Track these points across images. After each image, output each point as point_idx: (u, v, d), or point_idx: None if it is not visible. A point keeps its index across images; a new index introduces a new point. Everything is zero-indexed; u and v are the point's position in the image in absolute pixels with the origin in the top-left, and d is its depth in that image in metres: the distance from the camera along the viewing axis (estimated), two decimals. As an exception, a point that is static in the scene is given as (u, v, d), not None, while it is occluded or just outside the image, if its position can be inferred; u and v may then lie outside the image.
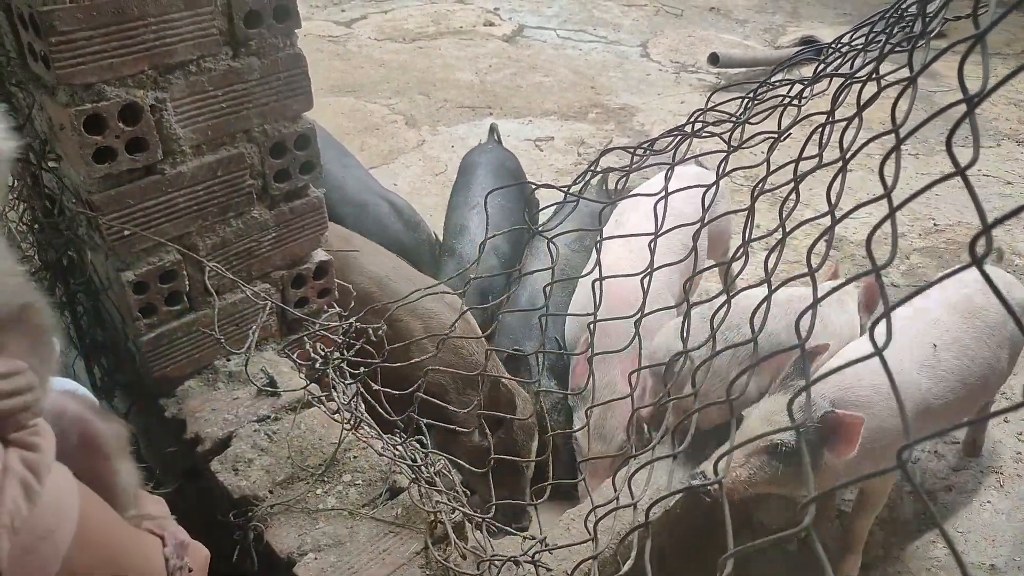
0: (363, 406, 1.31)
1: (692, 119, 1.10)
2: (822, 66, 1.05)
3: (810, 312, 0.65)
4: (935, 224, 3.29)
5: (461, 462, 1.25)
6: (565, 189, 1.16)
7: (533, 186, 1.14)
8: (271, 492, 1.26)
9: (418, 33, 5.65)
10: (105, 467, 0.80)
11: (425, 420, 1.22)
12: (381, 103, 4.47)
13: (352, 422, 1.30)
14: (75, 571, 0.60)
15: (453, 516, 1.18)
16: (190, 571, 0.85)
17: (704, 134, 1.10)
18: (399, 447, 1.27)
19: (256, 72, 1.28)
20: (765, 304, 0.76)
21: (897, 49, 0.81)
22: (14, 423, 0.61)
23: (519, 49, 5.41)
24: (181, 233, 1.31)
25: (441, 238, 2.51)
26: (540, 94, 4.65)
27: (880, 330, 0.51)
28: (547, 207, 1.16)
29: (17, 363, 0.62)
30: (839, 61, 1.06)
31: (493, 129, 2.85)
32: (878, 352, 0.53)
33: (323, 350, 1.36)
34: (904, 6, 0.93)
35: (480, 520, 1.16)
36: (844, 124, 0.80)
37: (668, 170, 1.08)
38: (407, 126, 4.23)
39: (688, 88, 4.75)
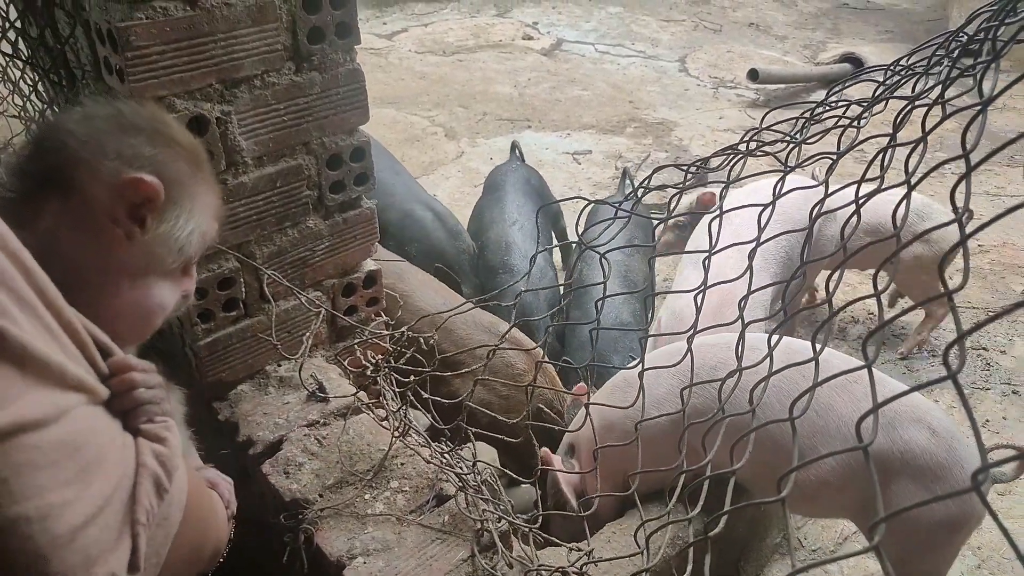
0: (411, 413, 1.33)
1: (748, 139, 1.11)
2: (881, 88, 1.05)
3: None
4: (979, 245, 3.24)
5: (509, 472, 1.27)
6: (617, 205, 1.17)
7: (586, 201, 1.16)
8: (321, 496, 1.28)
9: (458, 46, 5.72)
10: None
11: (473, 430, 1.23)
12: (421, 115, 4.53)
13: (400, 429, 1.32)
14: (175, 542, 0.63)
15: (499, 525, 1.20)
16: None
17: (759, 153, 1.10)
18: (446, 455, 1.29)
19: (317, 86, 1.32)
20: (827, 326, 0.76)
21: (965, 74, 0.81)
22: (145, 414, 0.65)
23: (557, 63, 5.45)
24: (240, 241, 1.35)
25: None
26: (578, 108, 4.68)
27: (952, 355, 0.52)
28: (602, 221, 1.17)
29: (148, 363, 0.67)
30: (897, 82, 1.06)
31: (515, 146, 2.89)
32: (952, 376, 0.54)
33: (373, 358, 1.39)
34: (969, 30, 0.93)
35: (527, 530, 1.17)
36: (910, 148, 0.81)
37: (723, 188, 1.08)
38: (447, 138, 4.28)
39: (727, 103, 4.75)
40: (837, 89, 1.14)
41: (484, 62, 5.44)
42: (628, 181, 2.85)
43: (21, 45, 1.40)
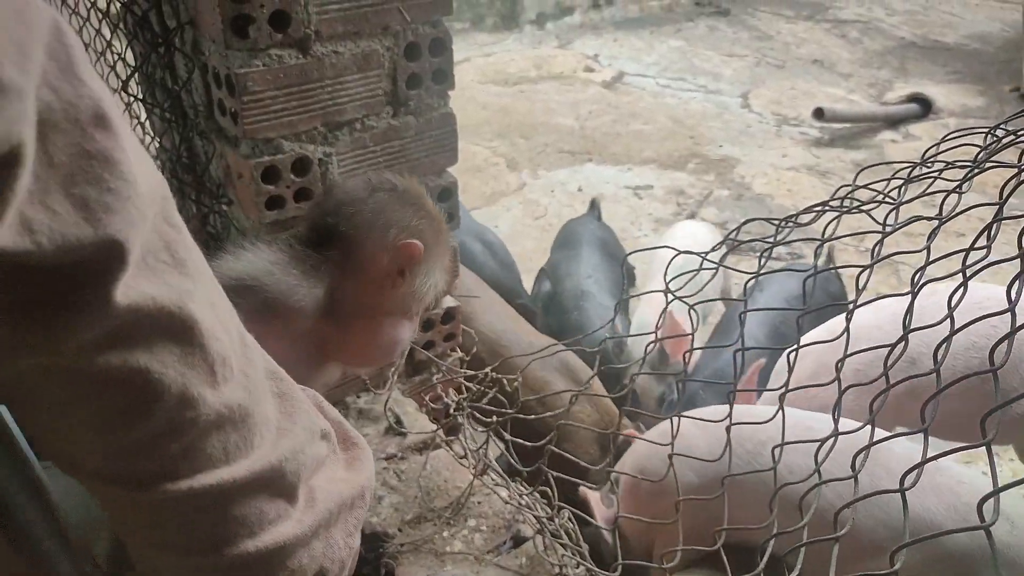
0: (491, 453, 1.35)
1: (844, 196, 1.11)
2: (983, 152, 1.04)
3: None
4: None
5: (588, 517, 1.28)
6: (704, 255, 1.19)
7: (675, 251, 1.17)
8: (400, 530, 1.31)
9: (520, 77, 5.80)
10: None
11: (554, 473, 1.25)
12: (483, 145, 4.60)
13: (479, 468, 1.34)
14: None
15: (577, 571, 1.20)
16: None
17: (855, 211, 1.10)
18: (525, 496, 1.30)
19: (412, 130, 1.37)
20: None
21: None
22: None
23: (618, 96, 5.49)
24: (332, 276, 1.39)
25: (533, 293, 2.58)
26: (639, 142, 4.69)
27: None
28: (686, 274, 1.18)
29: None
30: (998, 147, 1.06)
31: (594, 203, 2.92)
32: (987, 442, 0.53)
33: (455, 397, 1.42)
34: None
35: (606, 578, 1.17)
36: (1021, 219, 0.80)
37: (817, 247, 1.09)
38: (508, 169, 4.34)
39: (790, 141, 4.71)
40: (933, 154, 1.14)
41: (545, 93, 5.51)
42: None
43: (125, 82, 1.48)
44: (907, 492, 0.70)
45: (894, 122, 4.90)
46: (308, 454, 0.55)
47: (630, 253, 1.26)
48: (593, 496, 1.60)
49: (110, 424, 0.42)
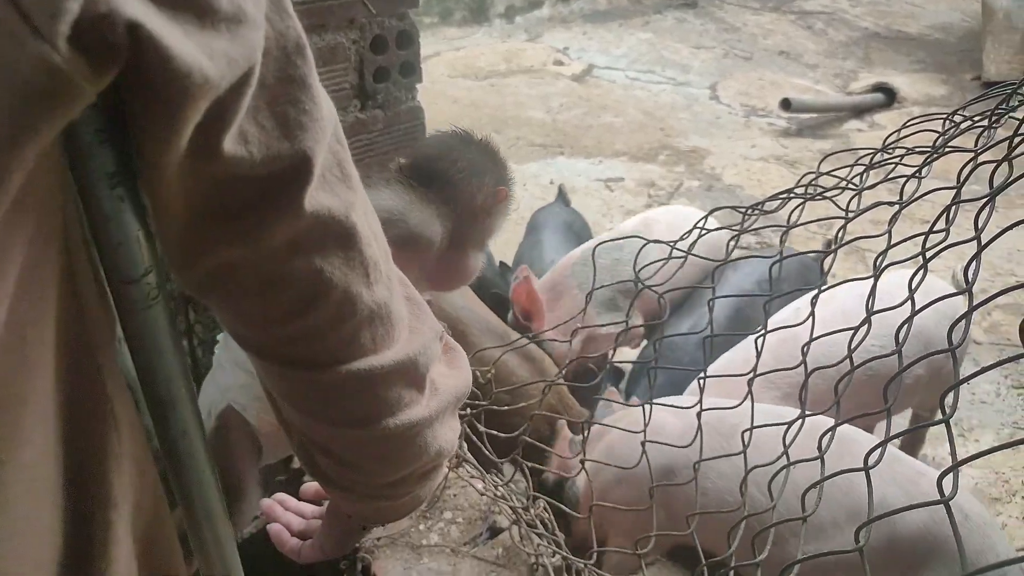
0: (465, 445, 1.35)
1: (808, 183, 1.13)
2: (940, 137, 1.07)
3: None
4: (1016, 280, 3.22)
5: (563, 507, 1.29)
6: (672, 244, 1.20)
7: (645, 241, 1.18)
8: (376, 525, 1.31)
9: (490, 71, 5.79)
10: None
11: (530, 464, 1.25)
12: (454, 139, 4.59)
13: (454, 460, 1.35)
14: None
15: (553, 560, 1.21)
16: None
17: (818, 198, 1.12)
18: (501, 488, 1.31)
19: (380, 123, 1.36)
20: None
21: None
22: None
23: (588, 88, 5.50)
24: (302, 272, 1.39)
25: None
26: (610, 134, 4.71)
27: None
28: (657, 262, 1.20)
29: None
30: (955, 134, 1.08)
31: (561, 191, 2.93)
32: (946, 419, 0.55)
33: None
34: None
35: (582, 566, 1.18)
36: (977, 202, 0.82)
37: (783, 234, 1.10)
38: (480, 162, 4.33)
39: (759, 132, 4.76)
40: (894, 140, 1.16)
41: (516, 87, 5.50)
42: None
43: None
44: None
45: (860, 111, 4.97)
46: (432, 351, 0.61)
47: (601, 243, 1.27)
48: (565, 435, 1.53)
49: (289, 314, 0.50)
